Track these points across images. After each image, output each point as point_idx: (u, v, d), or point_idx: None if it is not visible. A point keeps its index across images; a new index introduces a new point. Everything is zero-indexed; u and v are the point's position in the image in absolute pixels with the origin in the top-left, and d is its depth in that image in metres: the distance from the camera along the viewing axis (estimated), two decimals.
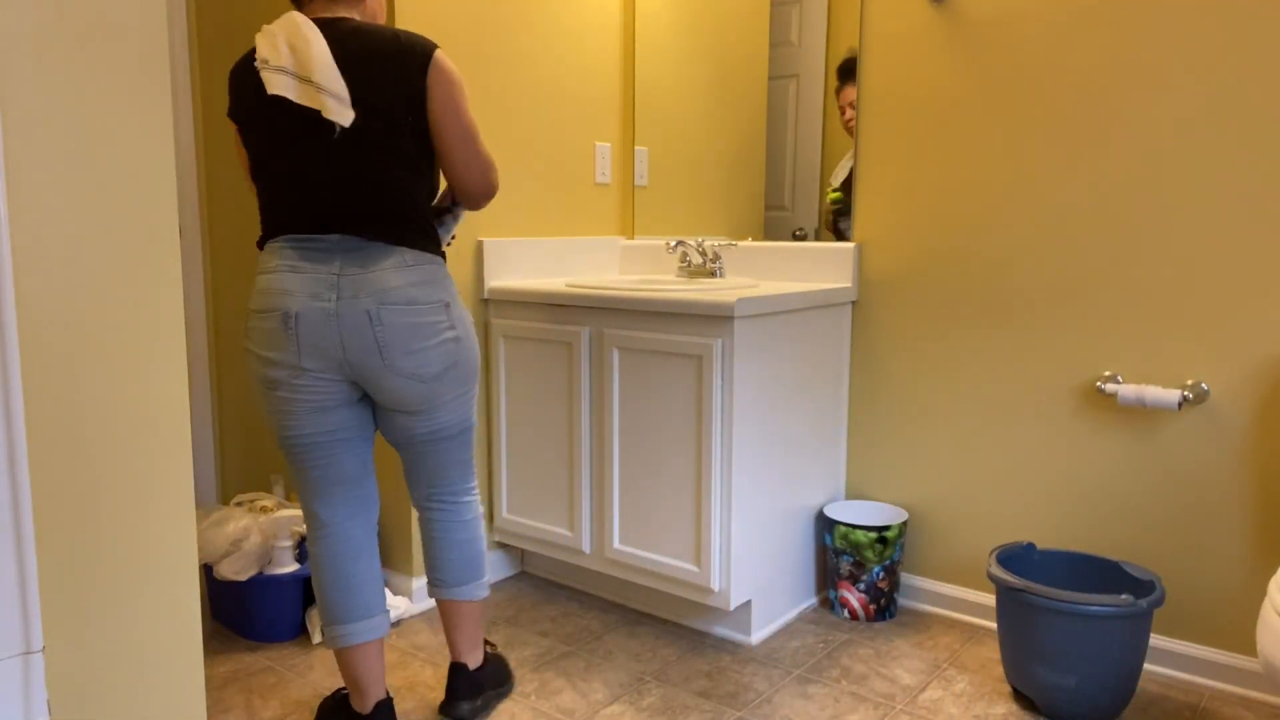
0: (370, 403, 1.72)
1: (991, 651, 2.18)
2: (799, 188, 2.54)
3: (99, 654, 1.14)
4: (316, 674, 2.07)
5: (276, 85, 1.52)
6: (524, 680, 2.04)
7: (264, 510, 2.28)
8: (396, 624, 2.32)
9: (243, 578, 2.17)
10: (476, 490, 1.87)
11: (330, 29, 1.58)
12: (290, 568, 2.22)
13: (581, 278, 2.68)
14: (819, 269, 2.47)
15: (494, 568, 2.61)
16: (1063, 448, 2.17)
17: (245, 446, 2.81)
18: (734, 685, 2.02)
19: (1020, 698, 1.98)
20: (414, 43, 1.60)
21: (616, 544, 2.30)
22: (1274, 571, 1.93)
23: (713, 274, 2.61)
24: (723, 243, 2.63)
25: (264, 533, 2.21)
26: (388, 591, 2.35)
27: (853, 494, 2.52)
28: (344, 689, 1.87)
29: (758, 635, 2.24)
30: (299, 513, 2.23)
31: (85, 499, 1.12)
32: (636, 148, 2.84)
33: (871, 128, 2.38)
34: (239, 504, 2.33)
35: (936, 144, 2.28)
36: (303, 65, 1.52)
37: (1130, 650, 1.82)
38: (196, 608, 1.24)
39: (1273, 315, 1.90)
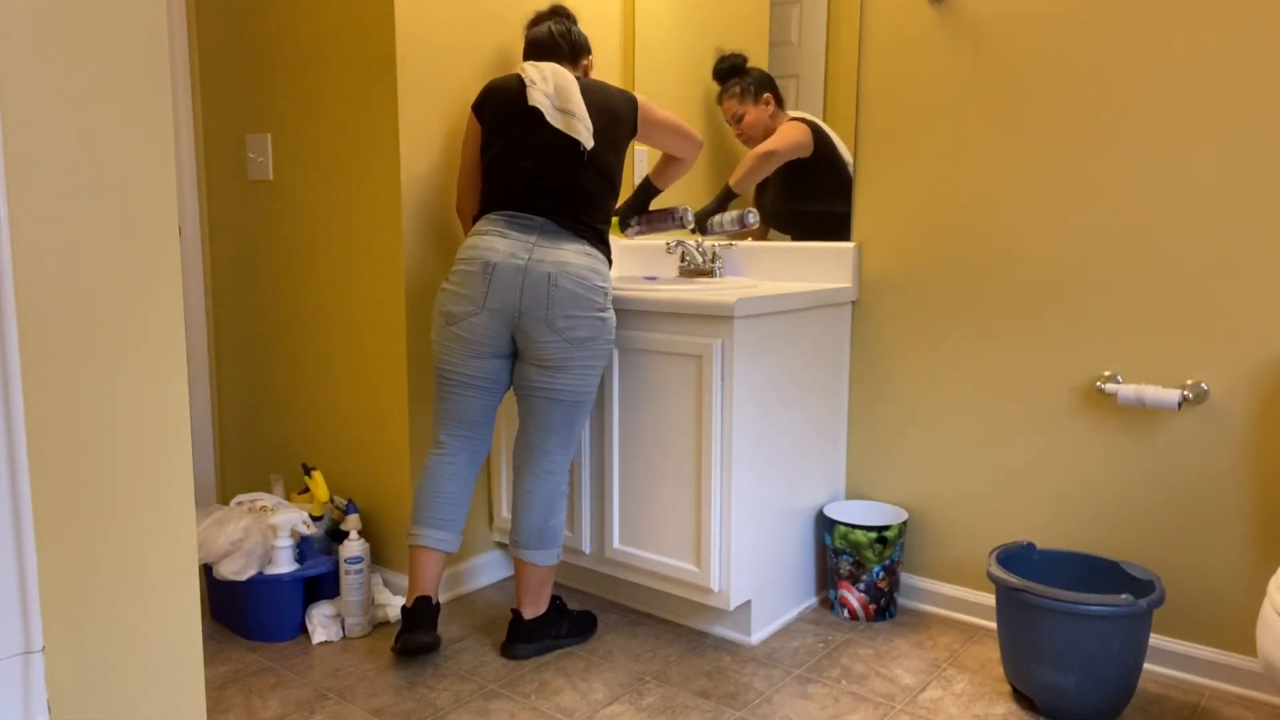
0: (512, 364, 2.11)
1: (991, 651, 2.18)
2: None
3: (99, 654, 1.14)
4: (316, 674, 2.07)
5: (537, 100, 2.06)
6: (523, 680, 2.04)
7: (264, 510, 2.28)
8: (397, 624, 2.31)
9: (243, 578, 2.17)
10: (566, 472, 2.14)
11: (578, 80, 2.14)
12: (290, 568, 2.22)
13: None
14: (819, 269, 2.47)
15: (494, 567, 2.61)
16: (1063, 447, 2.17)
17: (245, 446, 2.81)
18: (734, 685, 2.02)
19: (1020, 698, 1.98)
20: (628, 95, 2.19)
21: (616, 544, 2.30)
22: (1274, 571, 1.93)
23: (712, 274, 2.61)
24: (723, 243, 2.63)
25: (264, 533, 2.21)
26: (387, 591, 2.35)
27: (853, 494, 2.52)
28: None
29: (758, 635, 2.24)
30: (299, 512, 2.23)
31: (85, 499, 1.12)
32: (636, 148, 2.84)
33: (871, 127, 2.38)
34: (239, 504, 2.33)
35: (936, 144, 2.28)
36: (563, 99, 2.07)
37: (1130, 650, 1.82)
38: (196, 608, 1.24)
39: (1273, 315, 1.90)
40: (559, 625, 2.18)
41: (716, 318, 2.06)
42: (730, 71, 2.59)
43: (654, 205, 2.58)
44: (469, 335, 2.04)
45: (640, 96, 2.23)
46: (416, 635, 2.04)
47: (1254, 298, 1.91)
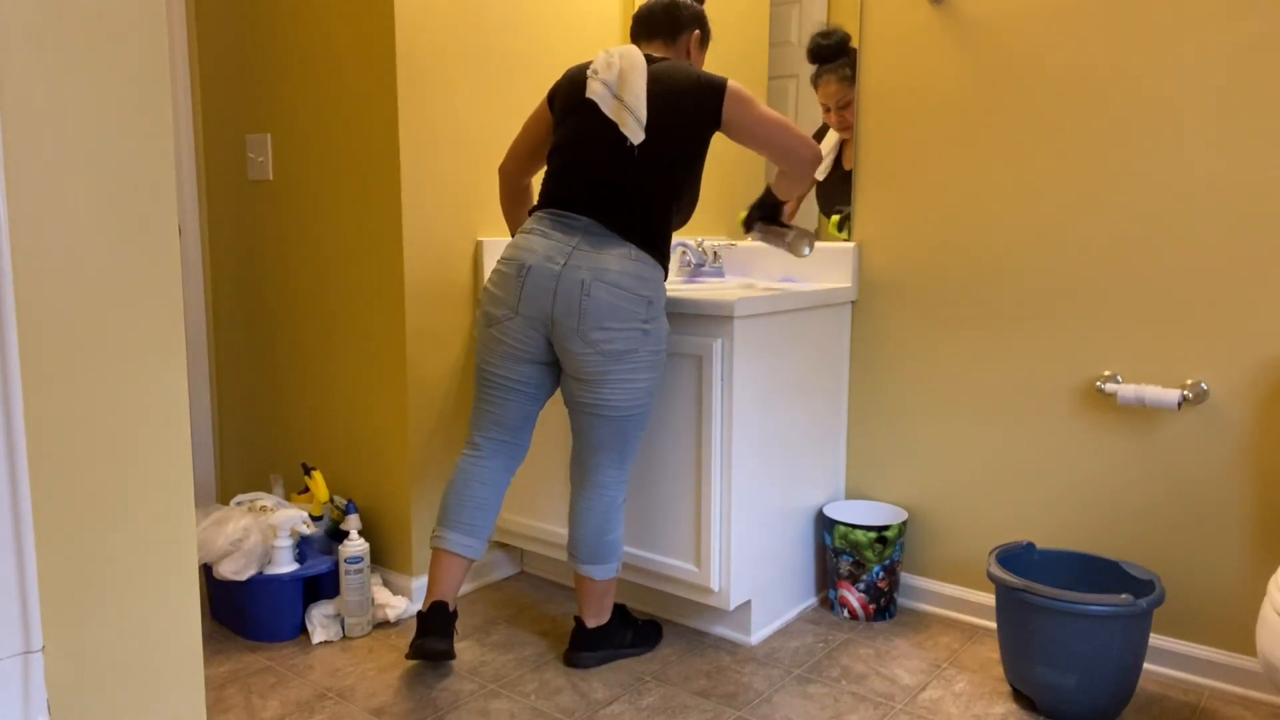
0: (557, 370, 2.02)
1: (991, 651, 2.18)
2: None
3: (99, 654, 1.14)
4: (317, 674, 2.07)
5: (594, 92, 1.94)
6: (524, 680, 2.04)
7: (264, 510, 2.28)
8: (396, 624, 2.32)
9: (242, 578, 2.17)
10: (623, 484, 2.04)
11: (652, 64, 1.98)
12: (290, 567, 2.22)
13: None
14: (819, 269, 2.47)
15: (494, 567, 2.61)
16: (1063, 447, 2.17)
17: (245, 446, 2.81)
18: (733, 685, 2.02)
19: (1020, 697, 1.98)
20: (710, 79, 1.97)
21: None
22: (1274, 571, 1.93)
23: (712, 274, 2.61)
24: (723, 243, 2.63)
25: (264, 533, 2.21)
26: (387, 591, 2.35)
27: (852, 494, 2.52)
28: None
29: (757, 635, 2.24)
30: (298, 512, 2.23)
31: (85, 499, 1.12)
32: None
33: (871, 127, 2.38)
34: (239, 504, 2.33)
35: (936, 144, 2.28)
36: (621, 86, 1.92)
37: (1130, 650, 1.82)
38: (196, 608, 1.24)
39: (1273, 315, 1.90)
40: (622, 634, 2.14)
41: (716, 318, 2.06)
42: (838, 50, 2.36)
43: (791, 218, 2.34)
44: (506, 339, 1.95)
45: (736, 84, 1.97)
46: (429, 641, 1.94)
47: (1254, 298, 1.91)
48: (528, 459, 2.45)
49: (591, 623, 2.10)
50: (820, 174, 2.48)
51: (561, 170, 1.98)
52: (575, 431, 2.02)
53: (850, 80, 2.39)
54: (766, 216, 2.21)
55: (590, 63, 2.00)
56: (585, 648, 2.09)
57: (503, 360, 1.98)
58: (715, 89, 1.96)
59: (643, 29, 2.09)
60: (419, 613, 2.02)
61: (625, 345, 1.90)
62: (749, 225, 2.23)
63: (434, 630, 1.96)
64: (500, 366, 1.98)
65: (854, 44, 2.38)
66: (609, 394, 1.93)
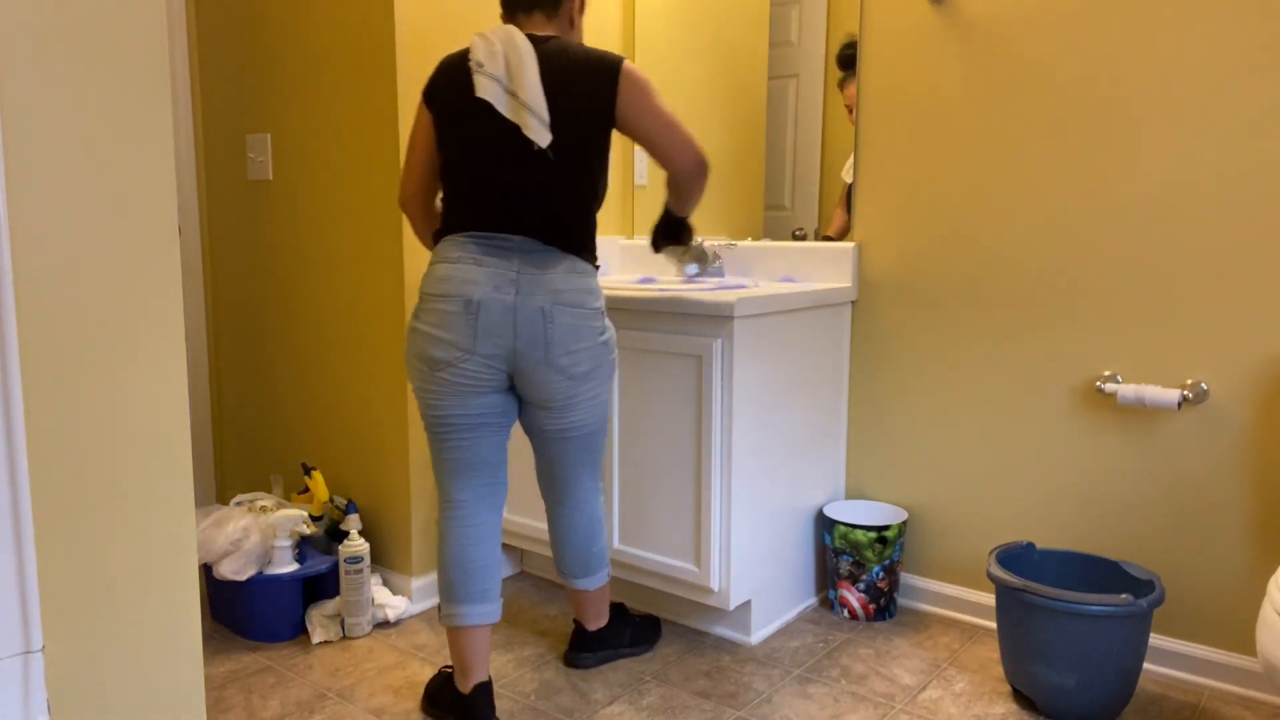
0: (516, 395, 1.84)
1: (991, 651, 2.18)
2: (799, 188, 2.54)
3: (99, 654, 1.14)
4: (316, 674, 2.07)
5: (485, 90, 1.68)
6: (524, 680, 2.04)
7: (264, 510, 2.28)
8: (396, 624, 2.32)
9: (242, 578, 2.17)
10: (600, 492, 2.00)
11: (539, 46, 1.74)
12: (290, 567, 2.22)
13: None
14: (819, 269, 2.47)
15: None
16: (1062, 447, 2.17)
17: (245, 446, 2.81)
18: (733, 685, 2.02)
19: (1020, 697, 1.98)
20: (604, 58, 1.74)
21: (616, 544, 2.30)
22: (1274, 571, 1.93)
23: (712, 274, 2.61)
24: (723, 243, 2.63)
25: (263, 533, 2.21)
26: (387, 591, 2.35)
27: (852, 494, 2.52)
28: (449, 666, 1.92)
29: (757, 635, 2.24)
30: (298, 512, 2.23)
31: (85, 499, 1.12)
32: (636, 148, 2.84)
33: (871, 127, 2.38)
34: (239, 504, 2.33)
35: (936, 144, 2.28)
36: (514, 80, 1.68)
37: (1130, 650, 1.82)
38: (196, 608, 1.24)
39: (1273, 315, 1.90)
40: (621, 634, 2.14)
41: (716, 318, 2.06)
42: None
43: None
44: (459, 380, 1.75)
45: (632, 66, 1.75)
46: None
47: (1254, 298, 1.91)
48: (525, 459, 2.45)
49: (592, 626, 2.10)
50: (849, 177, 2.47)
51: (469, 186, 1.75)
52: (544, 457, 1.92)
53: None
54: (669, 234, 2.05)
55: (466, 51, 1.75)
56: (585, 649, 2.10)
57: (461, 399, 1.76)
58: (609, 69, 1.73)
59: (525, 5, 1.80)
60: (460, 697, 1.83)
61: (591, 363, 1.79)
62: (656, 245, 2.09)
63: (483, 716, 1.82)
64: (459, 407, 1.77)
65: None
66: (576, 415, 1.84)
